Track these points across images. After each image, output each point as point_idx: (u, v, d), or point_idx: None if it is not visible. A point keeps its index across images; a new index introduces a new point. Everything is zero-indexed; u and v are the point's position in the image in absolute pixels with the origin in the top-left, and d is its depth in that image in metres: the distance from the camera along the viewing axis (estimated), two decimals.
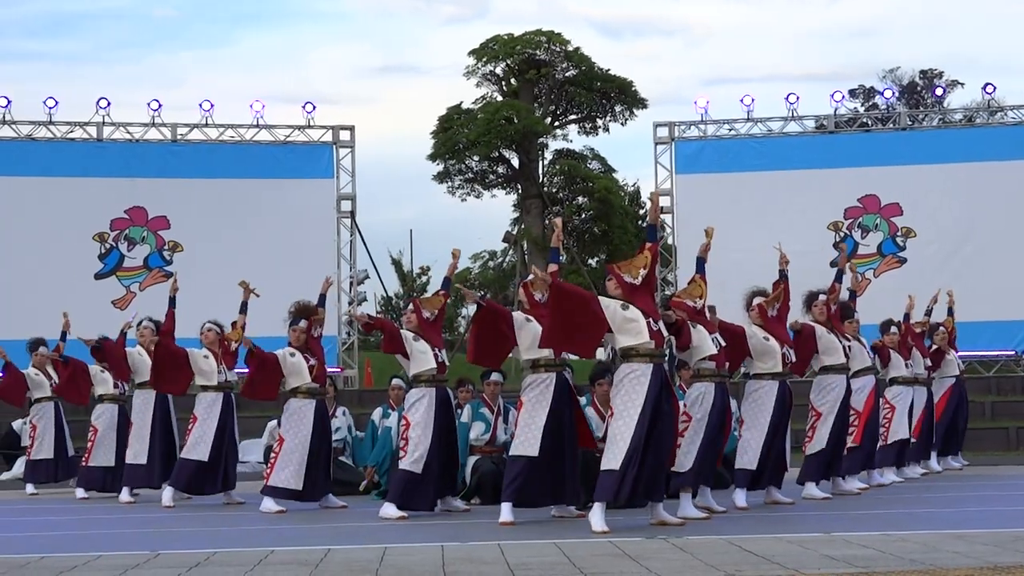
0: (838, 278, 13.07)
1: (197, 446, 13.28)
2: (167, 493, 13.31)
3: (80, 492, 15.04)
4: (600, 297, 9.76)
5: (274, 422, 12.85)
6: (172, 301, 14.05)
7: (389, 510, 11.11)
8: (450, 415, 11.63)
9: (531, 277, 10.96)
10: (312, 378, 12.58)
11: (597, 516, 9.24)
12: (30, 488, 16.03)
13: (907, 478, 14.59)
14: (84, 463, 15.15)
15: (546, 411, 10.38)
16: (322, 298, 13.28)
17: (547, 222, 33.68)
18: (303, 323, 12.75)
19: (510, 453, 10.71)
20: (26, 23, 72.50)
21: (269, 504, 12.23)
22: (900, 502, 11.58)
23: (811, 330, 12.45)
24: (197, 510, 12.83)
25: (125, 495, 14.07)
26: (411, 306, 11.95)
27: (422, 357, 11.45)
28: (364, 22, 76.48)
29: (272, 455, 12.63)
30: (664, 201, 25.68)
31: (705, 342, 10.78)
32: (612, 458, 9.36)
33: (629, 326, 9.49)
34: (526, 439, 10.38)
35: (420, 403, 11.34)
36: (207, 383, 13.53)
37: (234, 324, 13.79)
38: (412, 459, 11.22)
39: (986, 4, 65.10)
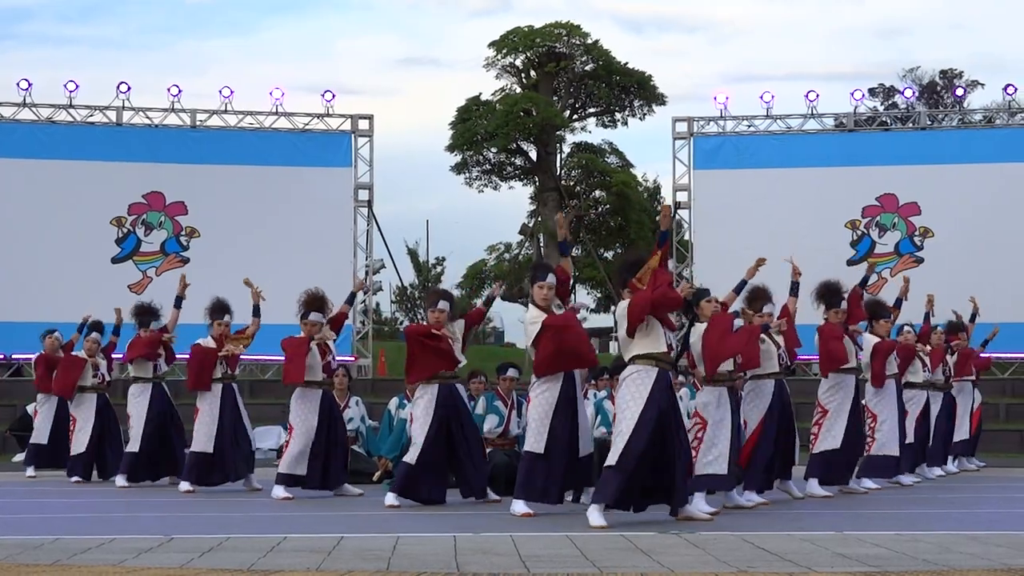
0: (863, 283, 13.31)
1: (201, 439, 13.42)
2: (185, 483, 13.40)
3: (75, 476, 15.28)
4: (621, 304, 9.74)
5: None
6: (178, 301, 14.19)
7: (389, 498, 11.16)
8: (455, 408, 11.43)
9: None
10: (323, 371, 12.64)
11: (595, 512, 9.15)
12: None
13: (924, 478, 14.58)
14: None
15: (553, 408, 10.25)
16: (352, 296, 13.71)
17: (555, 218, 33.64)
18: (313, 316, 12.55)
19: (523, 449, 10.65)
20: (59, 7, 72.81)
21: (278, 491, 12.31)
22: (914, 502, 11.55)
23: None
24: (210, 496, 12.85)
25: (121, 480, 14.21)
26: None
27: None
28: (390, 14, 76.74)
29: (284, 445, 12.72)
30: (681, 196, 25.72)
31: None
32: (612, 455, 9.30)
33: (651, 333, 9.45)
34: (534, 436, 10.33)
35: (421, 399, 11.38)
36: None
37: (240, 332, 13.68)
38: (411, 450, 11.29)
39: (1013, 5, 64.93)
